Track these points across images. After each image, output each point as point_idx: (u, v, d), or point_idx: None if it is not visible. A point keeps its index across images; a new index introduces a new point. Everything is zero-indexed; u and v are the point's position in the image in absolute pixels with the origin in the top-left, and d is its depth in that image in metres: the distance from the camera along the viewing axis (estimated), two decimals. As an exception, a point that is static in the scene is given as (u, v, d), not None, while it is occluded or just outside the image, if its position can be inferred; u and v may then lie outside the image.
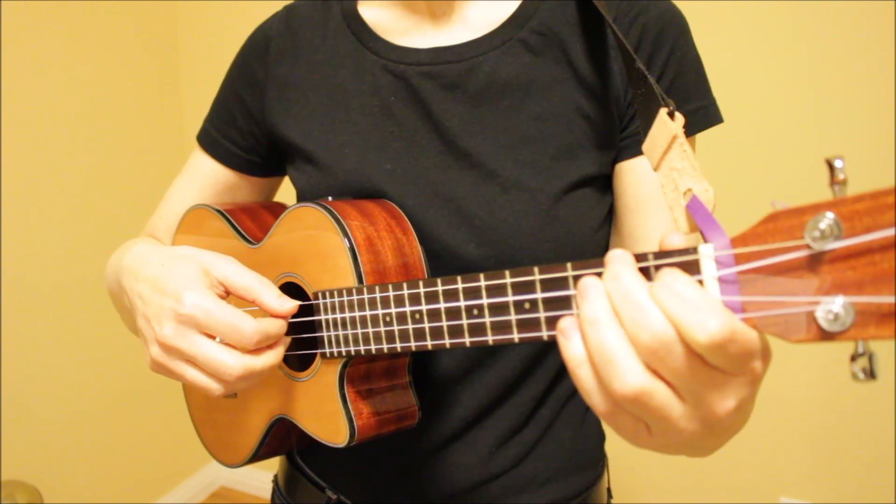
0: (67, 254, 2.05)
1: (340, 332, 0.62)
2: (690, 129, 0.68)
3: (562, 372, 0.76)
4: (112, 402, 2.15)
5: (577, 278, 0.43)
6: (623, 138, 0.70)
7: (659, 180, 0.48)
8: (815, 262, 0.36)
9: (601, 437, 0.83)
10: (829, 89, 1.61)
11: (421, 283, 0.54)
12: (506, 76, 0.69)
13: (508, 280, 0.47)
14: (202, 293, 0.57)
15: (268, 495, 0.91)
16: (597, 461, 0.82)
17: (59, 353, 2.03)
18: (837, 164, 0.36)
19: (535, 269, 0.45)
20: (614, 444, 2.05)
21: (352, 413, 0.63)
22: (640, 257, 0.40)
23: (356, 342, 0.61)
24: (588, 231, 0.70)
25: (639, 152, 0.69)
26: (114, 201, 2.18)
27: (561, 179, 0.68)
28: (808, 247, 0.36)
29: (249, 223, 0.77)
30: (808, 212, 0.36)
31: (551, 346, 0.73)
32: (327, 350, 0.64)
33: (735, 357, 0.36)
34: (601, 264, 0.42)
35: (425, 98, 0.70)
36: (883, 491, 1.63)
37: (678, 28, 0.69)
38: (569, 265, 0.44)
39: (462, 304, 0.51)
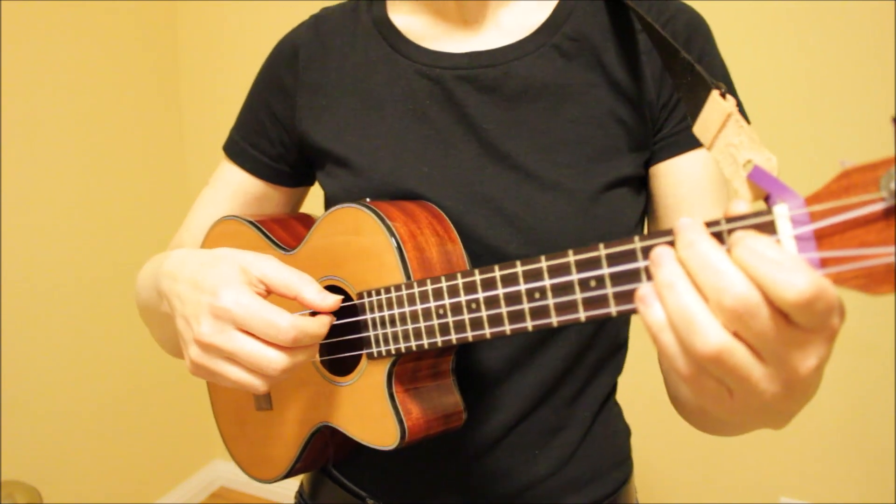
0: (67, 254, 2.05)
1: (389, 330, 0.62)
2: None
3: (597, 371, 0.76)
4: (112, 402, 2.13)
5: (645, 250, 0.44)
6: (657, 141, 0.71)
7: (714, 157, 0.49)
8: (891, 214, 0.37)
9: (629, 432, 0.84)
10: (829, 89, 1.60)
11: (476, 272, 0.54)
12: (541, 80, 0.70)
13: (572, 258, 0.48)
14: (240, 289, 0.58)
15: (268, 495, 0.89)
16: (627, 457, 0.83)
17: (59, 353, 2.03)
18: (906, 120, 0.38)
19: (601, 246, 0.46)
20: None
21: (401, 413, 0.63)
22: (711, 223, 0.41)
23: (406, 338, 0.61)
24: (626, 230, 0.72)
25: (675, 153, 0.70)
26: (114, 201, 2.19)
27: (599, 180, 0.69)
28: (883, 199, 0.37)
29: (281, 232, 0.77)
30: (882, 166, 0.37)
31: (589, 344, 0.74)
32: (374, 350, 0.64)
33: (820, 314, 0.37)
34: (669, 234, 0.43)
35: (462, 101, 0.71)
36: (883, 491, 1.63)
37: (705, 35, 0.71)
38: (636, 238, 0.45)
39: (522, 287, 0.51)
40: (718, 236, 0.41)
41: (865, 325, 1.58)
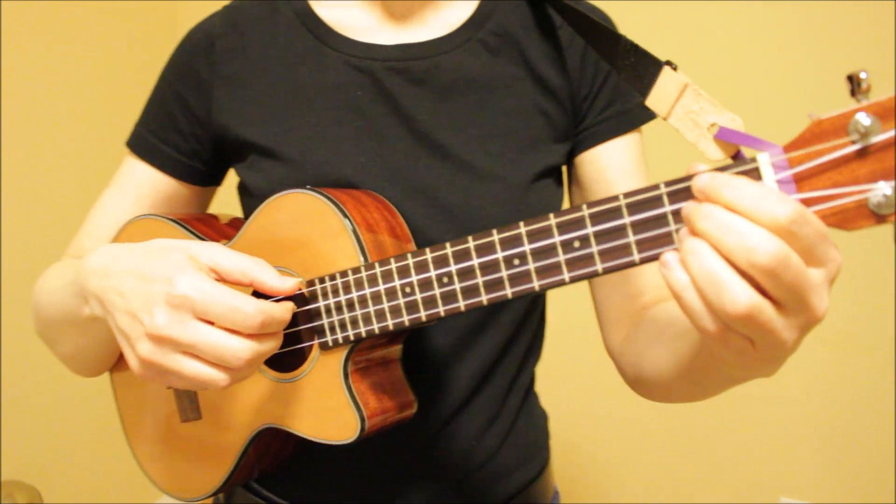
0: (67, 254, 1.91)
1: (347, 315, 0.60)
2: (639, 122, 0.75)
3: (524, 359, 0.79)
4: (112, 402, 1.93)
5: (629, 206, 0.46)
6: (580, 131, 0.75)
7: (675, 125, 0.52)
8: (860, 155, 0.41)
9: (546, 417, 0.87)
10: (829, 89, 1.54)
11: (448, 245, 0.54)
12: (469, 73, 0.72)
13: (553, 221, 0.49)
14: (197, 275, 0.53)
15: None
16: (546, 440, 0.85)
17: (59, 353, 1.88)
18: (863, 75, 0.42)
19: (584, 206, 0.47)
20: (614, 448, 1.91)
21: (360, 403, 0.60)
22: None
23: (368, 321, 0.58)
24: None
25: (599, 141, 0.74)
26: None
27: (529, 169, 0.71)
28: (853, 143, 0.41)
29: (206, 229, 0.73)
30: (849, 115, 0.41)
31: (517, 332, 0.76)
32: (329, 338, 0.61)
33: (815, 238, 0.39)
34: (652, 188, 0.45)
35: (393, 92, 0.71)
36: (883, 491, 1.62)
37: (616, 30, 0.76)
38: (620, 195, 0.46)
39: (500, 255, 0.51)
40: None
41: (865, 325, 1.60)
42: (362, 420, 0.60)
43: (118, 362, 0.78)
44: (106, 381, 0.81)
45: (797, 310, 0.41)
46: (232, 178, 0.83)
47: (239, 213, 0.80)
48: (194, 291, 0.52)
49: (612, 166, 0.74)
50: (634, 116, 0.74)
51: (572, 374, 1.82)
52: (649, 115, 0.75)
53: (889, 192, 0.40)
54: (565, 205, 0.78)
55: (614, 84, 0.74)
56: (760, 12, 1.66)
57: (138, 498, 2.20)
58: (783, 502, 1.74)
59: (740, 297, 0.39)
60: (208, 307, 0.52)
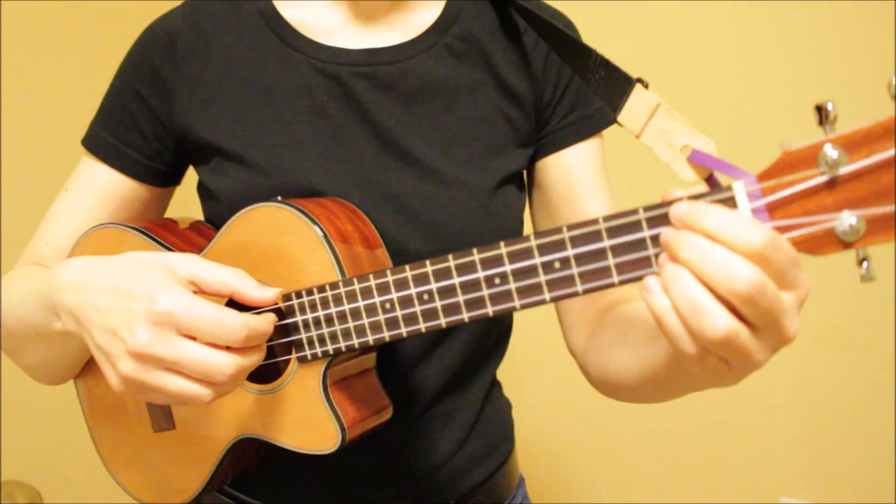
0: (67, 254, 1.86)
1: (326, 330, 0.60)
2: (601, 127, 0.76)
3: (489, 356, 0.81)
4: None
5: (610, 231, 0.47)
6: (544, 136, 0.76)
7: (648, 144, 0.53)
8: (828, 186, 0.43)
9: (510, 406, 0.89)
10: (828, 89, 1.54)
11: (428, 263, 0.54)
12: (435, 79, 0.72)
13: (534, 243, 0.50)
14: (178, 290, 0.53)
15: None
16: (511, 429, 0.87)
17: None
18: (829, 106, 0.44)
19: (564, 228, 0.49)
20: (614, 448, 1.90)
21: (339, 414, 0.61)
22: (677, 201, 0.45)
23: (347, 337, 0.59)
24: (517, 223, 0.76)
25: (562, 146, 0.75)
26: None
27: (493, 175, 0.72)
28: (821, 174, 0.43)
29: (173, 238, 0.71)
30: (818, 146, 0.43)
31: (485, 332, 0.77)
32: (308, 352, 0.61)
33: (783, 262, 0.41)
34: (631, 213, 0.46)
35: (360, 98, 0.70)
36: (883, 491, 1.62)
37: (577, 35, 0.76)
38: (600, 218, 0.47)
39: (481, 274, 0.52)
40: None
41: (865, 325, 1.57)
42: (343, 430, 0.61)
43: (83, 371, 0.77)
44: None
45: (770, 332, 0.43)
46: (189, 177, 0.82)
47: (194, 212, 0.79)
48: (177, 308, 0.52)
49: (574, 171, 0.75)
50: (597, 121, 0.76)
51: (571, 373, 1.77)
52: (611, 121, 0.77)
53: (854, 221, 0.42)
54: (527, 210, 0.79)
55: (577, 89, 0.75)
56: (760, 12, 1.60)
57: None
58: (783, 502, 1.73)
59: (719, 322, 0.41)
60: (192, 323, 0.52)
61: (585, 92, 0.75)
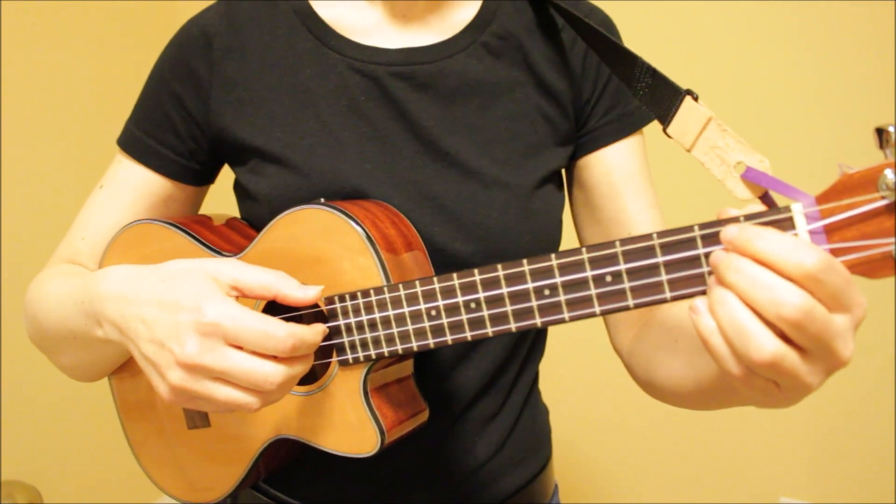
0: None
1: (369, 335, 0.60)
2: (641, 124, 0.76)
3: (529, 358, 0.80)
4: (112, 402, 1.91)
5: (663, 247, 0.47)
6: (584, 134, 0.76)
7: (699, 158, 0.53)
8: (888, 209, 0.43)
9: (548, 412, 0.89)
10: (828, 89, 1.57)
11: (476, 272, 0.54)
12: (473, 78, 0.71)
13: (586, 256, 0.50)
14: (224, 301, 0.53)
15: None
16: (548, 435, 0.88)
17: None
18: (891, 129, 0.44)
19: (616, 242, 0.49)
20: (614, 448, 1.91)
21: (379, 418, 0.61)
22: (732, 220, 0.45)
23: (391, 342, 0.59)
24: (557, 223, 0.76)
25: (603, 145, 0.75)
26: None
27: (533, 175, 0.72)
28: (882, 198, 0.43)
29: (211, 235, 0.71)
30: (878, 170, 0.43)
31: (523, 335, 0.77)
32: (350, 356, 0.62)
33: (837, 285, 0.41)
34: (686, 230, 0.46)
35: (398, 98, 0.70)
36: (883, 491, 1.63)
37: (617, 34, 0.76)
38: (654, 234, 0.48)
39: (530, 285, 0.52)
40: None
41: (865, 325, 1.52)
42: (382, 434, 0.61)
43: (118, 369, 0.77)
44: (105, 382, 0.80)
45: (822, 356, 0.43)
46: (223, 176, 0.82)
47: (229, 208, 0.79)
48: (224, 318, 0.52)
49: (616, 169, 0.75)
50: (637, 119, 0.75)
51: (572, 372, 1.81)
52: (651, 117, 0.76)
53: (913, 246, 0.42)
54: (566, 209, 0.79)
55: (616, 86, 0.75)
56: (760, 12, 1.61)
57: (138, 498, 2.20)
58: (783, 502, 1.74)
59: (766, 346, 0.41)
60: (239, 333, 0.52)
61: (625, 89, 0.75)
